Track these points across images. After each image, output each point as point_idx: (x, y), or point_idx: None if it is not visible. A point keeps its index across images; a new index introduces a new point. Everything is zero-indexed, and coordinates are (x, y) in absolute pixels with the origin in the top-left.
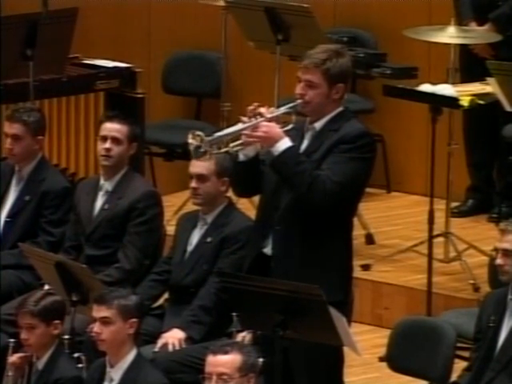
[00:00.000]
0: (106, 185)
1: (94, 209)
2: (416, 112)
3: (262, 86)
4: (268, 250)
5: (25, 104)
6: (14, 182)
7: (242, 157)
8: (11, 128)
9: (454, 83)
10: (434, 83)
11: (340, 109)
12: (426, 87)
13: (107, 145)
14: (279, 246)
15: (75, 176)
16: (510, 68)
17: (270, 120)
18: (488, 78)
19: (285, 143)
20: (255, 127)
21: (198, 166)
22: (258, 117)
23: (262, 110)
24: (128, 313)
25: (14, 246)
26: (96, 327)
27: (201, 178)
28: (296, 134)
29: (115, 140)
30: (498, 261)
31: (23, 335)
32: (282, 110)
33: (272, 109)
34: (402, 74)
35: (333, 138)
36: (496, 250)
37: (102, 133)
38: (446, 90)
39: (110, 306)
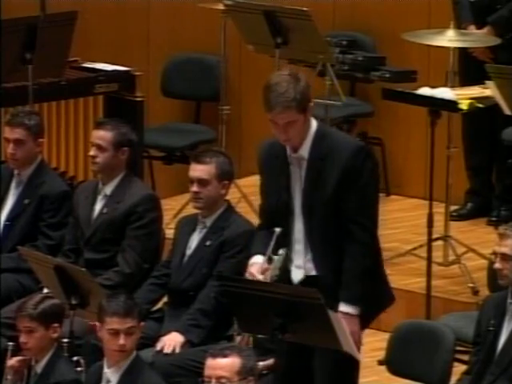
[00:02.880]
0: (105, 189)
1: (92, 213)
2: (415, 115)
3: (261, 90)
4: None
5: (23, 108)
6: (13, 185)
7: None
8: (13, 133)
9: (453, 87)
10: (433, 87)
11: (314, 126)
12: (425, 91)
13: (92, 152)
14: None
15: (74, 179)
16: (509, 71)
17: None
18: (487, 82)
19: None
20: None
21: (198, 170)
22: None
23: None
24: (141, 317)
25: (13, 249)
26: (122, 339)
27: (202, 182)
28: (276, 160)
29: (99, 147)
30: (497, 265)
31: (22, 339)
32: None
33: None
34: (401, 77)
35: (331, 167)
36: (495, 253)
37: (92, 139)
38: (445, 93)
39: (133, 315)
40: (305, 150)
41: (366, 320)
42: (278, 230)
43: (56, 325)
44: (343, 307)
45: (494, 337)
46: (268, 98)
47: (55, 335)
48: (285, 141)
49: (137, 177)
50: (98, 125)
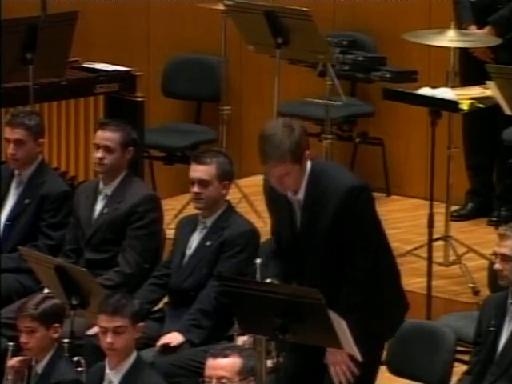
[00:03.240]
0: (106, 189)
1: (93, 213)
2: (416, 115)
3: (262, 90)
4: None
5: (24, 108)
6: (13, 185)
7: None
8: (13, 133)
9: (453, 87)
10: (433, 87)
11: (309, 167)
12: (425, 91)
13: (99, 154)
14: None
15: (75, 179)
16: (509, 72)
17: None
18: (488, 82)
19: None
20: None
21: (199, 171)
22: None
23: None
24: (137, 318)
25: (13, 249)
26: (109, 338)
27: (203, 182)
28: (279, 199)
29: (107, 148)
30: (497, 266)
31: (23, 339)
32: None
33: None
34: (402, 77)
35: (325, 210)
36: (495, 254)
37: (95, 141)
38: (445, 93)
39: (122, 314)
40: (301, 194)
41: (376, 348)
42: (258, 261)
43: (57, 325)
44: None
45: (494, 337)
46: (263, 149)
47: (56, 335)
48: (281, 190)
49: (137, 177)
50: (103, 125)
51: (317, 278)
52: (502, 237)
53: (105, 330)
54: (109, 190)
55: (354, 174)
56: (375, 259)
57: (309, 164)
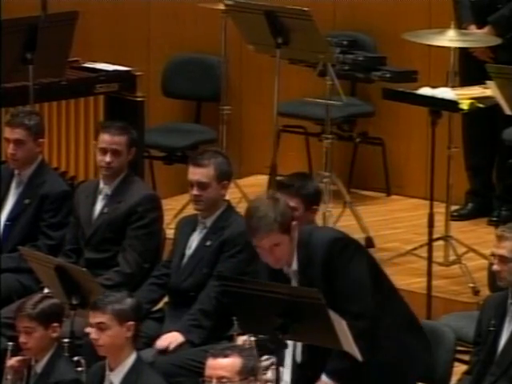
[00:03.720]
0: (106, 188)
1: (93, 212)
2: (416, 115)
3: (262, 90)
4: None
5: (24, 108)
6: (13, 185)
7: None
8: (13, 133)
9: (453, 86)
10: (433, 86)
11: (297, 237)
12: (425, 90)
13: (108, 158)
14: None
15: (75, 179)
16: (509, 71)
17: None
18: (488, 82)
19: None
20: None
21: (198, 174)
22: None
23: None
24: (123, 316)
25: (13, 249)
26: (93, 333)
27: (202, 185)
28: (278, 278)
29: (115, 152)
30: (495, 267)
31: (22, 339)
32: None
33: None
34: (402, 77)
35: (315, 269)
36: (493, 255)
37: (102, 145)
38: (445, 93)
39: (104, 311)
40: (294, 264)
41: None
42: (252, 339)
43: (56, 324)
44: (324, 378)
45: (494, 337)
46: (249, 224)
47: (55, 335)
48: (274, 264)
49: (137, 176)
50: (107, 129)
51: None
52: (499, 238)
53: (90, 325)
54: (109, 190)
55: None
56: (371, 307)
57: (296, 234)
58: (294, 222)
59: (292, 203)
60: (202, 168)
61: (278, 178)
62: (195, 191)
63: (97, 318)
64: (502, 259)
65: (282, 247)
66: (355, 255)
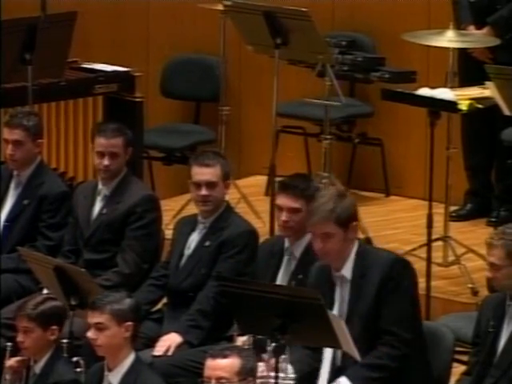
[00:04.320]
0: (104, 189)
1: (92, 213)
2: (414, 116)
3: (261, 90)
4: None
5: (22, 108)
6: (12, 185)
7: None
8: (12, 134)
9: (452, 87)
10: (432, 87)
11: (356, 246)
12: (424, 91)
13: (106, 161)
14: None
15: (74, 180)
16: (508, 72)
17: None
18: (487, 82)
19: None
20: None
21: (206, 174)
22: None
23: None
24: (122, 317)
25: (12, 250)
26: (91, 333)
27: (211, 185)
28: (324, 285)
29: (113, 155)
30: (487, 274)
31: (19, 337)
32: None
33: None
34: (401, 77)
35: (370, 282)
36: (487, 262)
37: (98, 149)
38: (444, 93)
39: (102, 311)
40: (347, 271)
41: None
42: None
43: (54, 327)
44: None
45: (494, 338)
46: (311, 207)
47: (53, 337)
48: (322, 256)
49: (136, 177)
50: (103, 132)
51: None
52: (489, 246)
53: (89, 326)
54: (107, 191)
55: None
56: (418, 336)
57: (356, 243)
58: (355, 223)
59: (296, 205)
60: (209, 168)
61: (281, 178)
62: (204, 191)
63: (95, 318)
64: (494, 266)
65: (334, 241)
66: (411, 280)
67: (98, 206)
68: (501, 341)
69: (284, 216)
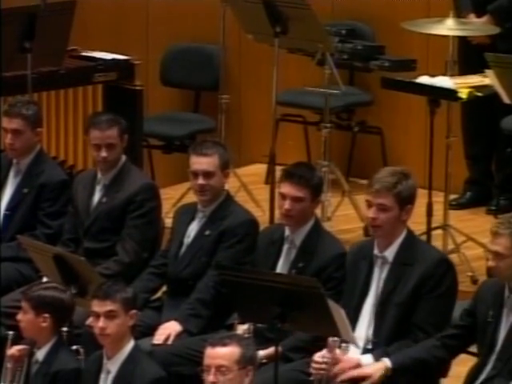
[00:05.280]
0: (103, 179)
1: (91, 202)
2: (414, 104)
3: (261, 79)
4: None
5: (22, 97)
6: (11, 174)
7: None
8: (11, 123)
9: (452, 75)
10: (432, 75)
11: (404, 232)
12: (424, 79)
13: (103, 153)
14: None
15: (73, 168)
16: (508, 60)
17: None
18: (486, 71)
19: (367, 361)
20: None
21: (203, 163)
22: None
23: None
24: (129, 305)
25: (12, 238)
26: (101, 322)
27: (208, 174)
28: (363, 264)
29: (110, 146)
30: (490, 263)
31: (18, 315)
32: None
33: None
34: (401, 66)
35: (411, 274)
36: (488, 251)
37: (94, 141)
38: (444, 82)
39: (114, 299)
40: (390, 253)
41: None
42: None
43: (47, 315)
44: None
45: (493, 329)
46: (372, 177)
47: (44, 325)
48: (373, 228)
49: (135, 165)
50: (97, 124)
51: (382, 343)
52: (494, 234)
53: (97, 315)
54: (107, 180)
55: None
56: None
57: (405, 230)
58: (411, 206)
59: (301, 194)
60: (207, 157)
61: (284, 167)
62: (201, 181)
63: (107, 306)
64: (497, 255)
65: (389, 215)
66: (453, 283)
67: (97, 196)
68: (500, 332)
69: (287, 204)
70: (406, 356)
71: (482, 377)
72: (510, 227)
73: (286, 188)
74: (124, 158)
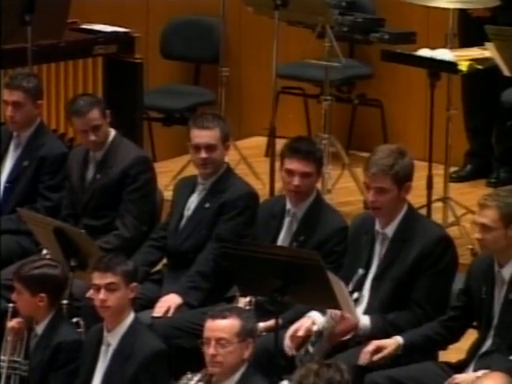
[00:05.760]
0: (96, 155)
1: (85, 179)
2: (414, 77)
3: (261, 51)
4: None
5: (22, 69)
6: (12, 147)
7: None
8: (11, 95)
9: (452, 48)
10: (432, 48)
11: (405, 209)
12: (424, 52)
13: (92, 137)
14: None
15: (74, 141)
16: (508, 33)
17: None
18: (486, 43)
19: (364, 324)
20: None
21: (206, 137)
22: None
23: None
24: (129, 277)
25: (13, 211)
26: (102, 294)
27: (210, 147)
28: (365, 240)
29: (95, 128)
30: (477, 235)
31: (13, 296)
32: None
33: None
34: (401, 39)
35: (410, 250)
36: (475, 223)
37: (80, 128)
38: (444, 54)
39: (114, 272)
40: (390, 229)
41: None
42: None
43: (43, 295)
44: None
45: (488, 305)
46: (369, 159)
47: (42, 304)
48: (373, 208)
49: (135, 138)
50: (79, 111)
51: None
52: (482, 206)
53: (97, 288)
54: (99, 156)
55: None
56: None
57: (405, 205)
58: (409, 183)
59: (309, 169)
60: (209, 130)
61: (284, 142)
62: (203, 154)
63: (108, 278)
64: (484, 228)
65: (388, 197)
66: (452, 260)
67: (91, 173)
68: (495, 308)
69: (296, 181)
70: (416, 334)
71: (482, 350)
72: (497, 199)
73: (294, 164)
74: (113, 132)
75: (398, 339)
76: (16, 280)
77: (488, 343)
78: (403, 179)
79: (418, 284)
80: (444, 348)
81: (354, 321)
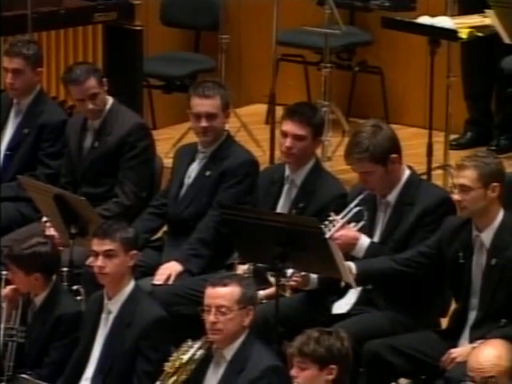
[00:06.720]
0: (94, 123)
1: (84, 147)
2: (415, 44)
3: (261, 19)
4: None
5: (22, 37)
6: (12, 114)
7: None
8: (11, 63)
9: (452, 15)
10: (432, 15)
11: (406, 175)
12: (424, 19)
13: (89, 106)
14: None
15: (73, 108)
16: (508, 1)
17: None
18: (487, 11)
19: (362, 243)
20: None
21: (206, 105)
22: (331, 225)
23: (334, 217)
24: (129, 245)
25: (13, 178)
26: (100, 261)
27: (210, 116)
28: (368, 208)
29: (91, 96)
30: (455, 197)
31: (8, 275)
32: (353, 207)
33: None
34: (401, 6)
35: (413, 211)
36: (454, 185)
37: (76, 97)
38: (444, 22)
39: (113, 238)
40: (392, 197)
41: None
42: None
43: (38, 274)
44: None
45: (467, 271)
46: (347, 146)
47: (37, 282)
48: (370, 190)
49: (135, 105)
50: (75, 81)
51: None
52: (460, 167)
53: (96, 254)
54: (96, 124)
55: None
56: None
57: (407, 172)
58: (394, 155)
59: (302, 132)
60: (209, 99)
61: (286, 106)
62: (204, 123)
63: (106, 245)
64: (463, 188)
65: (374, 177)
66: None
67: (89, 141)
68: (473, 272)
69: (288, 142)
70: (367, 264)
71: (470, 322)
72: (475, 160)
73: (288, 126)
74: (111, 100)
75: (351, 266)
76: (9, 261)
77: (474, 313)
78: (383, 156)
79: (413, 242)
80: (444, 315)
81: (356, 233)
